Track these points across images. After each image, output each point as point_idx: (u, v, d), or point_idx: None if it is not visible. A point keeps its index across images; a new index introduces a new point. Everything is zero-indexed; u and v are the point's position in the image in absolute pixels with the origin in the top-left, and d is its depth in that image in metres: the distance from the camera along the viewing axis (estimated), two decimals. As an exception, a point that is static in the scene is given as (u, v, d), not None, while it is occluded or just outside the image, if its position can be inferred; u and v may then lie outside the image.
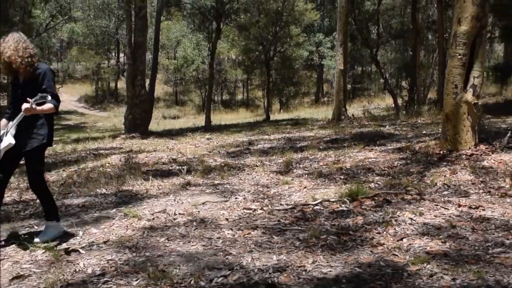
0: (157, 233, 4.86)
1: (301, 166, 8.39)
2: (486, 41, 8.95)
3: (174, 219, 5.37)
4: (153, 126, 21.85)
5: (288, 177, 7.46)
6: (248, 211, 5.55)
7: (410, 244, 4.24)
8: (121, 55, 49.37)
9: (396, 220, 4.90)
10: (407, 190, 6.14)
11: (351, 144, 10.27)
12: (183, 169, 8.20)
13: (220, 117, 31.49)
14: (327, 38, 39.85)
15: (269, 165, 8.62)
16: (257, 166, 8.58)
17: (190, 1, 28.62)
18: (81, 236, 4.89)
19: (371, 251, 4.13)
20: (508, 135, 8.22)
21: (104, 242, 4.65)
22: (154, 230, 4.97)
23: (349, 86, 36.28)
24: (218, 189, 6.92)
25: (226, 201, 6.14)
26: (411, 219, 4.92)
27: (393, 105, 21.07)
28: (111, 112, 43.76)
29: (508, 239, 4.23)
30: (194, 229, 4.94)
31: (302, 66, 39.75)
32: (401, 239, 4.37)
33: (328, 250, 4.20)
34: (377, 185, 6.62)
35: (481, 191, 6.05)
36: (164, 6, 30.30)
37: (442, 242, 4.24)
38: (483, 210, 5.16)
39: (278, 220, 5.14)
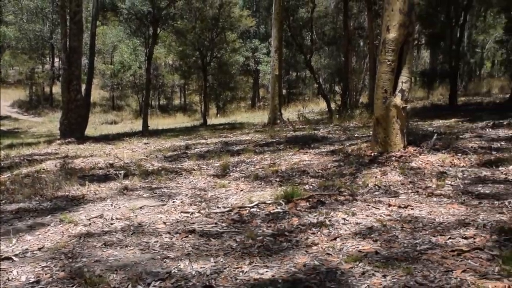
0: (94, 238, 4.82)
1: (237, 169, 8.47)
2: (413, 48, 9.34)
3: (111, 224, 5.33)
4: (90, 131, 21.36)
5: (225, 180, 7.53)
6: (186, 215, 5.58)
7: (343, 243, 4.37)
8: (56, 59, 47.82)
9: (330, 221, 5.04)
10: (340, 191, 6.32)
11: (286, 147, 10.44)
12: (120, 173, 8.11)
13: (157, 122, 31.09)
14: (262, 44, 40.15)
15: (206, 169, 8.66)
16: (194, 169, 8.60)
17: (127, 6, 28.20)
18: (14, 244, 4.77)
19: (306, 251, 4.23)
20: (434, 137, 8.60)
21: (39, 249, 4.57)
22: (90, 235, 4.92)
23: (284, 91, 36.64)
24: (156, 193, 6.90)
25: (163, 205, 6.14)
26: (344, 219, 5.07)
27: (326, 109, 21.45)
28: (46, 118, 42.31)
29: (434, 236, 4.43)
30: (132, 234, 4.92)
31: (238, 72, 39.79)
32: (335, 239, 4.50)
33: (265, 251, 4.28)
34: (311, 187, 6.79)
35: (409, 191, 6.32)
36: (99, 11, 29.66)
37: (373, 241, 4.40)
38: (411, 209, 5.38)
39: (215, 223, 5.19)
